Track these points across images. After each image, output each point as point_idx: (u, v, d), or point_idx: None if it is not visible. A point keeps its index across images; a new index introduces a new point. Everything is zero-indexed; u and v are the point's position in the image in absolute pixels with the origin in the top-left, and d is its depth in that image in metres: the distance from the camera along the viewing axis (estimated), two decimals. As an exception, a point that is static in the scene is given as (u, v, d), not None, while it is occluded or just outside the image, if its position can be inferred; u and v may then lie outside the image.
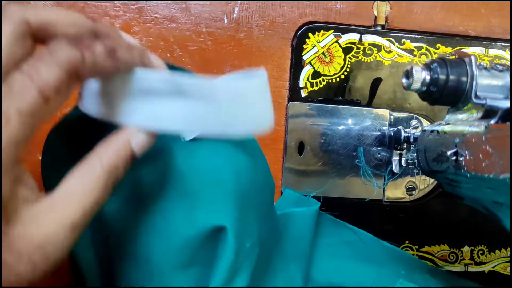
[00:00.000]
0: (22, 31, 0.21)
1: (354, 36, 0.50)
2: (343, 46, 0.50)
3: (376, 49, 0.50)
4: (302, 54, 0.49)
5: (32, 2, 0.46)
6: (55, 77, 0.20)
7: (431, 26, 0.51)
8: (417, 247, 0.52)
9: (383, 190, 0.50)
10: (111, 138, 0.24)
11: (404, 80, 0.38)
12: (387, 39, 0.50)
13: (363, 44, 0.50)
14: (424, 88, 0.35)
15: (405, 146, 0.49)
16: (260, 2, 0.49)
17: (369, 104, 0.50)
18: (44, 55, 0.20)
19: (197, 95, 0.25)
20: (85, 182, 0.22)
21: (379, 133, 0.50)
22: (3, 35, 0.20)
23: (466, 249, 0.52)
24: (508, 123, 0.29)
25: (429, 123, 0.50)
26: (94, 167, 0.23)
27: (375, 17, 0.50)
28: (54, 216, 0.21)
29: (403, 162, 0.50)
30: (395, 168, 0.50)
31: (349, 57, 0.50)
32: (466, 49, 0.52)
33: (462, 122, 0.34)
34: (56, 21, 0.22)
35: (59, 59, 0.20)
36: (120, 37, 0.24)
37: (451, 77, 0.34)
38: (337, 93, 0.50)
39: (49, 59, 0.20)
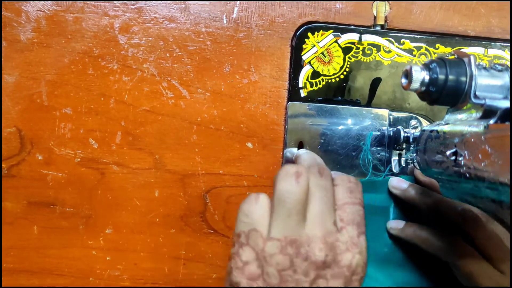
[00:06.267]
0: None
1: (353, 36, 0.50)
2: (342, 46, 0.50)
3: (375, 49, 0.50)
4: (302, 54, 0.49)
5: (32, 2, 0.46)
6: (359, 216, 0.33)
7: (430, 26, 0.51)
8: (416, 247, 0.51)
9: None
10: None
11: (403, 80, 0.38)
12: (386, 39, 0.50)
13: (362, 44, 0.50)
14: (423, 88, 0.35)
15: (404, 146, 0.49)
16: (260, 2, 0.49)
17: (369, 104, 0.50)
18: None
19: None
20: None
21: (379, 133, 0.50)
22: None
23: (465, 249, 0.52)
24: (507, 123, 0.29)
25: (428, 123, 0.50)
26: None
27: (375, 17, 0.50)
28: None
29: (402, 162, 0.50)
30: (395, 168, 0.50)
31: (349, 57, 0.50)
32: (466, 49, 0.52)
33: (461, 122, 0.34)
34: None
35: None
36: None
37: (450, 77, 0.34)
38: (336, 93, 0.50)
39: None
